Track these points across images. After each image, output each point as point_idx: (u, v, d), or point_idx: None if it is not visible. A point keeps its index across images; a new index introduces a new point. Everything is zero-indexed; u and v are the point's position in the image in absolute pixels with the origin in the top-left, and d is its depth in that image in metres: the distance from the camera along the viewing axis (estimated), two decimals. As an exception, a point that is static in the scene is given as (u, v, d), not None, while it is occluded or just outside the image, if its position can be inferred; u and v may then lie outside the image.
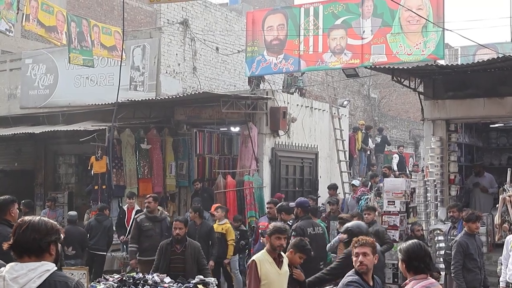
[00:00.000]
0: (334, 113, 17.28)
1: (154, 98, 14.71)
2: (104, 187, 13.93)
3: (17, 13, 9.57)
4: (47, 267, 3.13)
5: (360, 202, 12.42)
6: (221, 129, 16.11)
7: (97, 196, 13.92)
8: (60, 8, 12.56)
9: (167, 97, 14.50)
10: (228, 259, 11.00)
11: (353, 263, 5.14)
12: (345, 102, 19.22)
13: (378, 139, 20.53)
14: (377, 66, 12.82)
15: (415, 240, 4.65)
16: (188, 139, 15.23)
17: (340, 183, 16.21)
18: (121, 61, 12.25)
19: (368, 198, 12.14)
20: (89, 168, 14.53)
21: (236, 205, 13.61)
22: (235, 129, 15.73)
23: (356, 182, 14.06)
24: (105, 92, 15.42)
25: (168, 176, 14.95)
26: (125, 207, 12.95)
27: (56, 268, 3.17)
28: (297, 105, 15.72)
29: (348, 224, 7.31)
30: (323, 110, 17.01)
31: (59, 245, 3.30)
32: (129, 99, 14.17)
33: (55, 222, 3.33)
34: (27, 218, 3.25)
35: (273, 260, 6.08)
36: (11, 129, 16.52)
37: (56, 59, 16.79)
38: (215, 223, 11.08)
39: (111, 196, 14.13)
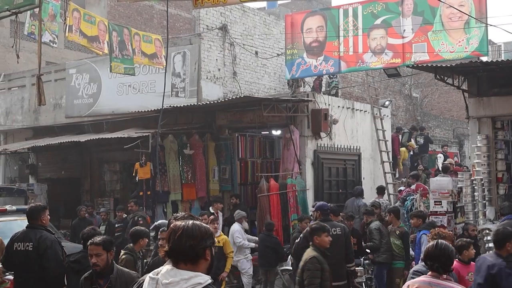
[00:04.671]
0: (376, 114, 17.12)
1: (196, 104, 14.82)
2: (149, 193, 14.09)
3: (64, 24, 9.72)
4: (200, 280, 3.01)
5: (405, 203, 12.25)
6: (262, 132, 16.13)
7: (143, 202, 14.07)
8: (101, 18, 12.75)
9: (208, 103, 14.59)
10: (226, 272, 10.43)
11: None
12: (387, 103, 19.03)
13: (421, 140, 20.22)
14: (419, 65, 12.66)
15: (439, 240, 4.77)
16: (230, 143, 15.28)
17: (384, 184, 16.05)
18: (165, 69, 12.33)
19: (413, 198, 11.97)
20: (133, 174, 14.71)
21: (279, 208, 13.58)
22: (276, 132, 15.72)
23: (403, 187, 13.86)
24: (147, 99, 15.62)
25: (211, 180, 15.02)
26: (212, 210, 13.09)
27: (209, 281, 3.04)
28: (338, 106, 15.62)
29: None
30: (364, 111, 16.87)
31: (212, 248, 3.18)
32: (171, 106, 14.30)
33: (207, 225, 3.22)
34: (179, 223, 3.13)
35: None
36: (57, 138, 16.90)
37: (99, 68, 17.09)
38: None
39: (155, 202, 14.29)
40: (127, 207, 13.57)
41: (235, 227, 11.90)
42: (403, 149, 18.32)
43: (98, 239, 5.83)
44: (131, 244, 7.41)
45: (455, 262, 6.91)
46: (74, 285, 6.38)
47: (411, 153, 19.37)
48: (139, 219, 12.66)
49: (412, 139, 19.45)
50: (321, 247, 7.26)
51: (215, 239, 8.02)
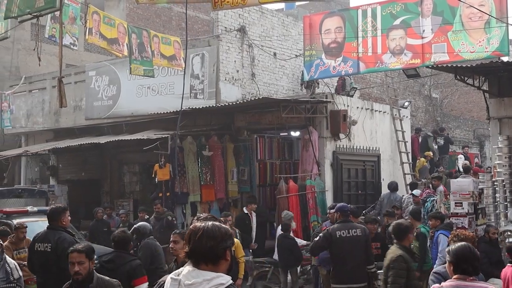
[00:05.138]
0: (395, 115, 17.04)
1: (214, 105, 14.86)
2: (168, 194, 14.14)
3: (85, 26, 9.79)
4: (222, 280, 3.04)
5: (426, 204, 12.15)
6: (281, 134, 16.12)
7: (162, 203, 14.13)
8: (121, 21, 12.82)
9: (227, 104, 14.62)
10: (241, 279, 9.84)
11: None
12: (406, 103, 18.91)
13: (441, 141, 20.05)
14: (439, 65, 12.56)
15: (464, 243, 4.74)
16: (249, 145, 15.30)
17: (404, 185, 15.95)
18: (184, 70, 12.37)
19: (434, 200, 11.87)
20: (153, 176, 14.78)
21: (299, 210, 13.57)
22: (295, 134, 15.71)
23: (416, 192, 13.68)
24: (166, 101, 15.70)
25: (230, 182, 15.03)
26: (246, 211, 13.19)
27: (231, 282, 3.08)
28: (357, 107, 15.56)
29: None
30: (383, 112, 16.78)
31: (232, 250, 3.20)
32: (190, 107, 14.35)
33: (227, 226, 3.24)
34: (199, 224, 3.15)
35: None
36: (77, 140, 17.05)
37: (118, 70, 17.20)
38: None
39: (175, 203, 14.34)
40: (154, 209, 13.35)
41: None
42: (422, 159, 18.16)
43: (80, 246, 5.54)
44: None
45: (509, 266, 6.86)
46: None
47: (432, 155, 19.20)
48: (173, 219, 12.95)
49: (433, 143, 19.29)
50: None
51: None
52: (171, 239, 6.78)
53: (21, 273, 6.19)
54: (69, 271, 5.43)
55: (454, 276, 4.46)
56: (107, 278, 5.62)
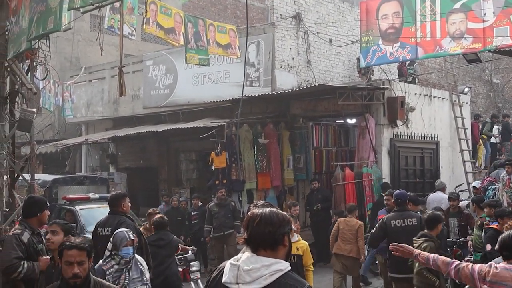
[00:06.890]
0: (455, 101, 16.66)
1: (270, 93, 14.86)
2: (224, 181, 14.26)
3: (144, 16, 9.94)
4: (280, 267, 3.04)
5: (487, 192, 11.84)
6: (337, 121, 16.00)
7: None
8: (177, 10, 12.89)
9: (283, 92, 14.59)
10: None
11: None
12: (466, 89, 18.46)
13: (501, 128, 19.46)
14: (502, 50, 12.19)
15: None
16: (305, 132, 15.26)
17: (463, 173, 15.62)
18: (245, 58, 12.39)
19: (496, 188, 11.56)
20: (209, 163, 14.92)
21: (355, 198, 13.47)
22: (351, 121, 15.55)
23: (476, 183, 13.22)
24: (222, 89, 15.80)
25: (286, 169, 15.06)
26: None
27: (289, 268, 3.07)
28: (415, 94, 15.28)
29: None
30: (442, 98, 16.42)
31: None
32: (246, 95, 14.39)
33: (284, 213, 3.25)
34: (257, 210, 3.18)
35: None
36: (136, 129, 17.39)
37: (175, 59, 17.39)
38: None
39: (231, 191, 14.45)
40: (218, 193, 13.22)
41: (441, 194, 11.65)
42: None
43: (78, 241, 4.37)
44: (427, 231, 7.51)
45: None
46: (161, 258, 7.95)
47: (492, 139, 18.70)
48: (236, 205, 13.41)
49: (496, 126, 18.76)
50: None
51: (295, 245, 7.00)
52: (49, 228, 5.55)
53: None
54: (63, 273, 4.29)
55: (506, 262, 4.50)
56: (107, 283, 4.63)
